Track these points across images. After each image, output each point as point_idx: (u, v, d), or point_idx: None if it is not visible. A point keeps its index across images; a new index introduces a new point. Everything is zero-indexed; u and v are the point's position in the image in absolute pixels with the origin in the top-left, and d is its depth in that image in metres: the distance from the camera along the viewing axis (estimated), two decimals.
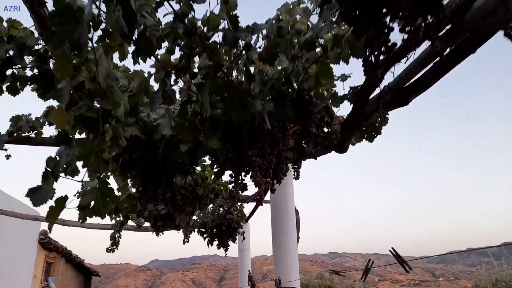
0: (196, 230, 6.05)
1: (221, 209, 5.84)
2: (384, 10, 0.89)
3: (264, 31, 1.41)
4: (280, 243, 3.37)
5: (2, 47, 1.65)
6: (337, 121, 2.05)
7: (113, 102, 1.14)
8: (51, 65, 2.06)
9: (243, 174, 1.61)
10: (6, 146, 2.75)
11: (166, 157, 2.27)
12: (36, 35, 1.84)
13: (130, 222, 6.11)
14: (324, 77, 1.63)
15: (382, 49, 0.89)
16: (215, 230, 5.90)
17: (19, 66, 1.95)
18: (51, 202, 1.08)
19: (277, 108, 1.65)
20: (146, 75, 1.58)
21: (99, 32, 1.18)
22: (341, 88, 2.84)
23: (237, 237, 6.15)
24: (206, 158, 3.55)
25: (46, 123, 2.77)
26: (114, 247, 5.95)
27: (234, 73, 1.59)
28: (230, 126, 1.53)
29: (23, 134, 2.74)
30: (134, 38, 1.25)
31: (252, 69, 1.70)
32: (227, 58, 1.54)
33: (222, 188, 4.20)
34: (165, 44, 1.51)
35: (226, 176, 2.14)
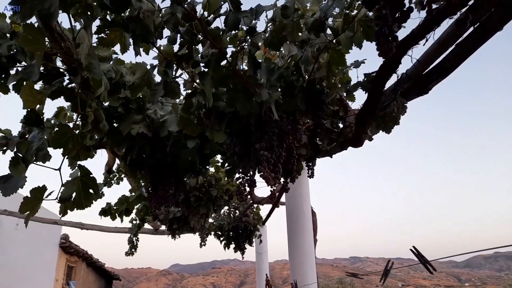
0: (212, 233, 5.99)
1: (237, 211, 5.77)
2: None
3: (270, 13, 1.32)
4: (296, 245, 3.25)
5: (5, 43, 1.62)
6: (352, 114, 1.94)
7: (93, 81, 1.06)
8: (58, 63, 2.04)
9: (251, 169, 1.52)
10: None
11: (174, 155, 2.20)
12: None
13: (147, 225, 6.11)
14: (336, 65, 1.53)
15: (397, 15, 0.79)
16: (231, 233, 5.82)
17: (25, 64, 1.92)
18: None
19: (286, 99, 1.55)
20: (149, 67, 1.51)
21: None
22: (354, 76, 2.70)
23: (254, 240, 6.05)
24: (219, 158, 3.48)
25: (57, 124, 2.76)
26: (133, 250, 5.96)
27: (240, 64, 1.51)
28: (236, 118, 1.44)
29: None
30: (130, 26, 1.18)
31: (260, 60, 1.61)
32: (233, 48, 1.46)
33: (236, 189, 4.13)
34: (167, 34, 1.45)
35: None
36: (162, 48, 1.53)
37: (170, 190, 2.43)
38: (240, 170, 1.50)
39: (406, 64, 1.62)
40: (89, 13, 1.04)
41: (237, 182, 1.48)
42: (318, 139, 2.42)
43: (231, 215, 5.80)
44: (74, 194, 1.05)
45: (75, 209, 1.06)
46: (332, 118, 2.20)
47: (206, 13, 1.30)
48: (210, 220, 5.92)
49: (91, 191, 1.07)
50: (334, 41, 1.41)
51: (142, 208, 4.69)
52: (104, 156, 3.33)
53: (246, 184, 1.55)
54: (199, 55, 1.42)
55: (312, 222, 3.56)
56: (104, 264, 14.63)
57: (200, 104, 1.46)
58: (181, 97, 1.75)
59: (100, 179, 4.22)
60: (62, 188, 1.03)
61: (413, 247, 1.08)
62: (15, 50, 1.70)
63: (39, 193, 0.98)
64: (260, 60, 1.60)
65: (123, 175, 4.13)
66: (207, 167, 3.06)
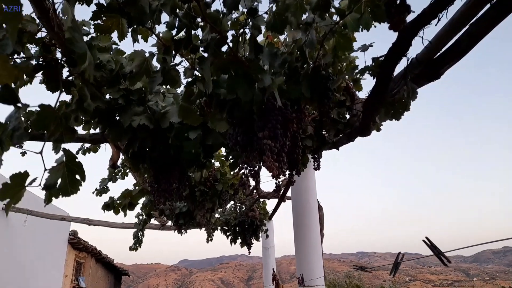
0: (219, 228, 5.97)
1: (243, 206, 5.73)
2: None
3: None
4: (303, 239, 3.20)
5: (0, 33, 1.57)
6: (359, 102, 1.86)
7: (77, 56, 1.00)
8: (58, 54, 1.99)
9: (254, 160, 1.46)
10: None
11: (177, 147, 2.15)
12: (37, 21, 1.76)
13: (153, 221, 6.11)
14: (343, 50, 1.46)
15: None
16: (237, 228, 5.79)
17: (24, 56, 1.88)
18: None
19: (290, 86, 1.49)
20: (147, 55, 1.46)
21: None
22: (361, 63, 2.61)
23: (260, 235, 6.01)
24: (224, 152, 3.43)
25: None
26: (137, 245, 5.96)
27: (241, 49, 1.44)
28: (238, 106, 1.38)
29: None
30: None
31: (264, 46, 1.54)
32: (234, 33, 1.39)
33: (240, 188, 4.08)
34: (165, 20, 1.39)
35: None
36: (161, 35, 1.47)
37: (174, 183, 2.38)
38: (243, 160, 1.45)
39: (416, 49, 1.54)
40: None
41: (240, 172, 1.42)
42: (324, 130, 2.35)
43: (237, 210, 5.77)
44: (59, 181, 1.00)
45: (60, 196, 1.00)
46: (338, 108, 2.13)
47: None
48: (216, 215, 5.90)
49: (77, 177, 1.01)
50: (340, 23, 1.34)
51: (148, 203, 4.67)
52: (108, 151, 3.31)
53: (249, 175, 1.49)
54: (199, 41, 1.36)
55: (319, 216, 3.50)
56: (113, 260, 14.73)
57: (201, 92, 1.40)
58: (182, 87, 1.70)
59: (104, 174, 4.20)
60: (47, 174, 0.97)
61: (426, 237, 1.02)
62: None
63: (20, 179, 0.92)
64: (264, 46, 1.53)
65: (128, 170, 4.10)
66: (211, 160, 3.02)
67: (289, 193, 4.58)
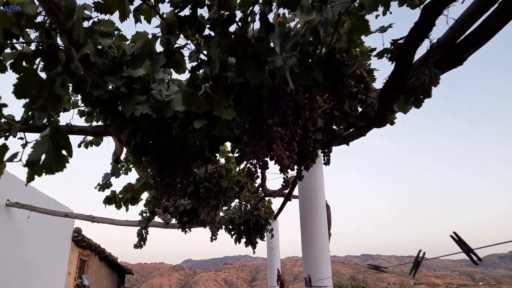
0: (223, 227, 5.88)
1: (248, 205, 5.64)
2: None
3: None
4: (310, 239, 3.09)
5: None
6: (373, 93, 1.76)
7: (64, 10, 0.90)
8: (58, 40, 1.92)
9: (263, 149, 1.36)
10: (23, 134, 2.65)
11: (182, 139, 2.07)
12: (36, 3, 1.69)
13: (157, 219, 6.04)
14: (359, 34, 1.36)
15: None
16: (242, 227, 5.69)
17: (23, 41, 1.81)
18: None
19: (302, 72, 1.39)
20: (150, 36, 1.37)
21: None
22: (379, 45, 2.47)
23: (265, 234, 5.92)
24: (229, 148, 3.34)
25: (62, 110, 2.65)
26: (142, 243, 5.89)
27: (250, 30, 1.35)
28: (246, 91, 1.29)
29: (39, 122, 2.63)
30: None
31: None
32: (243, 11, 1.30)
33: (247, 180, 3.99)
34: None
35: None
36: (165, 16, 1.39)
37: (178, 178, 2.29)
38: (251, 150, 1.35)
39: (438, 32, 1.44)
40: None
41: (248, 162, 1.33)
42: (334, 124, 2.25)
43: (242, 208, 5.68)
44: (43, 156, 0.89)
45: (44, 173, 0.89)
46: (350, 100, 2.04)
47: None
48: (221, 213, 5.81)
49: (64, 152, 0.90)
50: (356, 2, 1.25)
51: (151, 200, 4.59)
52: (111, 145, 3.23)
53: (258, 166, 1.40)
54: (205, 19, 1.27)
55: (327, 216, 3.39)
56: (117, 258, 14.71)
57: (207, 76, 1.31)
58: (187, 72, 1.61)
59: (107, 169, 4.13)
60: (30, 149, 0.87)
61: (454, 233, 0.92)
62: None
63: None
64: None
65: (131, 165, 4.03)
66: (216, 154, 2.93)
67: (295, 192, 4.48)
